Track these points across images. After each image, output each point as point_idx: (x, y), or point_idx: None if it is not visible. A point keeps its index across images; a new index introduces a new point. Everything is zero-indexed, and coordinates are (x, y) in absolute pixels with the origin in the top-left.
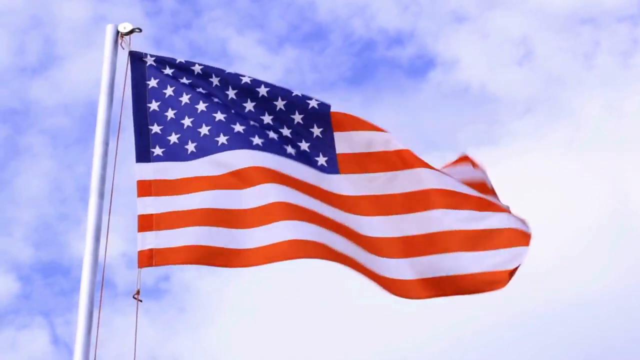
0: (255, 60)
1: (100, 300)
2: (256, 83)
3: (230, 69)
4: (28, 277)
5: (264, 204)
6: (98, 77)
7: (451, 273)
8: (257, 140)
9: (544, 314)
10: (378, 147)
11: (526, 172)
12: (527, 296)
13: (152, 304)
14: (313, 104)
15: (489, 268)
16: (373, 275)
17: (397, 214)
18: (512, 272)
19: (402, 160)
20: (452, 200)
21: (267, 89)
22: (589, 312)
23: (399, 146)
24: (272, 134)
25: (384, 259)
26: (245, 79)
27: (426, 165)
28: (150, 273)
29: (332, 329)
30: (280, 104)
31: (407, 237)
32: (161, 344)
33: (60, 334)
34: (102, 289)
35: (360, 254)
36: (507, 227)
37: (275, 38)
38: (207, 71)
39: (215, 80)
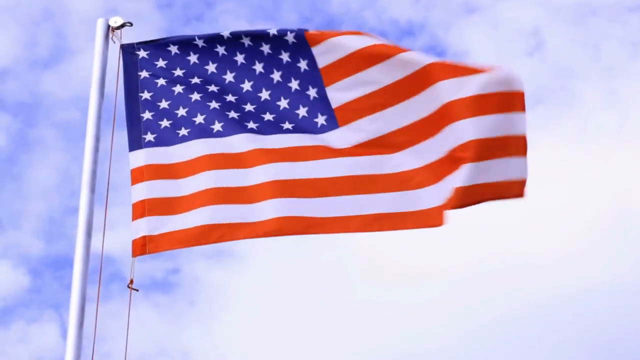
0: None
1: (98, 295)
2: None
3: None
4: (38, 271)
5: (255, 183)
6: (109, 70)
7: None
8: (251, 124)
9: (551, 307)
10: (373, 87)
11: (535, 163)
12: (534, 288)
13: (162, 297)
14: (303, 65)
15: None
16: (398, 218)
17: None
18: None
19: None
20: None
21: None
22: (596, 304)
23: (396, 76)
24: (268, 116)
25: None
26: (246, 42)
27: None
28: (160, 266)
29: (339, 322)
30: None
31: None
32: (171, 337)
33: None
34: (99, 282)
35: (381, 199)
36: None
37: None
38: (203, 53)
39: (211, 67)
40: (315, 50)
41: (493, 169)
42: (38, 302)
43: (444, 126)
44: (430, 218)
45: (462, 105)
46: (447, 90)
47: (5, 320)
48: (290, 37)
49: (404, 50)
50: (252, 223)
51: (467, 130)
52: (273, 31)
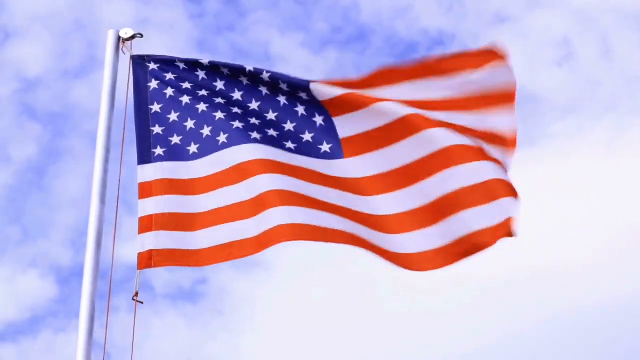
0: (298, 62)
1: (109, 305)
2: (259, 72)
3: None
4: (67, 281)
5: (258, 194)
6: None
7: (458, 236)
8: (255, 134)
9: (579, 316)
10: (381, 122)
11: (565, 173)
12: (561, 298)
13: (190, 306)
14: (303, 95)
15: (492, 221)
16: (380, 251)
17: (401, 188)
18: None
19: (407, 126)
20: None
21: (269, 76)
22: (628, 312)
23: (401, 112)
24: (272, 132)
25: (393, 235)
26: (249, 68)
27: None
28: (188, 276)
29: (366, 332)
30: (282, 99)
31: (414, 210)
32: (198, 346)
33: (96, 337)
34: (109, 293)
35: (369, 233)
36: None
37: (318, 40)
38: (211, 72)
39: (219, 84)
40: (312, 85)
41: (480, 215)
42: (65, 311)
43: (436, 171)
44: (411, 262)
45: (461, 150)
46: (445, 137)
47: (33, 329)
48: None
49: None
50: (257, 236)
51: (460, 176)
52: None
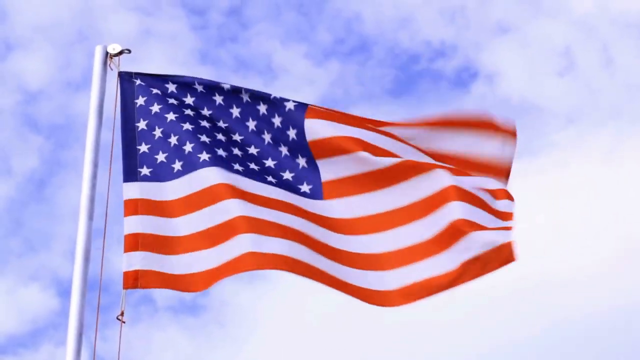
0: (300, 74)
1: (97, 320)
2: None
3: (274, 83)
4: (68, 293)
5: (228, 219)
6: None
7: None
8: (237, 166)
9: (584, 323)
10: (365, 168)
11: (567, 182)
12: (562, 307)
13: (191, 319)
14: (292, 134)
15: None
16: (346, 287)
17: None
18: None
19: (391, 175)
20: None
21: (266, 109)
22: (630, 320)
23: (386, 163)
24: (253, 165)
25: (366, 271)
26: (245, 97)
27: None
28: None
29: (368, 343)
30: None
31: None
32: (200, 359)
33: (98, 350)
34: (98, 309)
35: (337, 269)
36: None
37: (321, 51)
38: (201, 95)
39: (206, 112)
40: (307, 122)
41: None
42: (67, 324)
43: (429, 212)
44: (388, 299)
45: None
46: (441, 180)
47: (34, 342)
48: (289, 104)
49: (396, 155)
50: (230, 261)
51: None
52: (275, 95)
